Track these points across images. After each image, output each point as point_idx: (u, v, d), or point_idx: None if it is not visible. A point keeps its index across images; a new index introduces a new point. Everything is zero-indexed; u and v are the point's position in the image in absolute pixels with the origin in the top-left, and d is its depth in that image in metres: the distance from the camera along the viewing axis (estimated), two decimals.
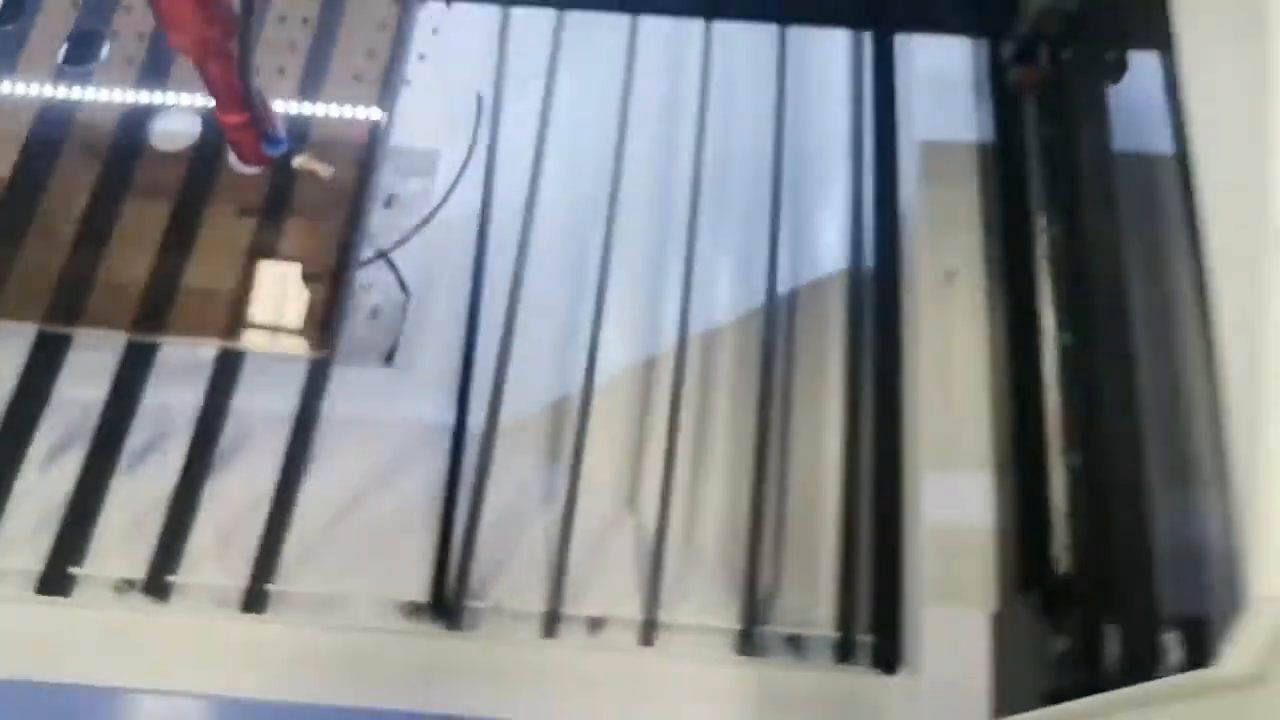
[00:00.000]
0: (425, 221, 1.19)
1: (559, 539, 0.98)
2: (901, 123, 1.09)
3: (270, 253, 0.99)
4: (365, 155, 1.03)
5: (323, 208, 1.01)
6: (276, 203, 1.01)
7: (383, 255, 1.18)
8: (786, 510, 1.02)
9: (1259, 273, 0.48)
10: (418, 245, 1.17)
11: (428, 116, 1.25)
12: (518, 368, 1.08)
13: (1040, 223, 0.85)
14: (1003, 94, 0.95)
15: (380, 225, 1.21)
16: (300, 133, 1.06)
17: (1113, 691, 0.61)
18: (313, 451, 1.05)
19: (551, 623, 0.95)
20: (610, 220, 1.12)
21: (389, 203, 1.26)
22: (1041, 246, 0.84)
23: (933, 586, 0.87)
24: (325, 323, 0.96)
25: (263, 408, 1.05)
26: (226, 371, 1.03)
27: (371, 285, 1.19)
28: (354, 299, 1.17)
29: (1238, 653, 0.49)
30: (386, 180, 1.25)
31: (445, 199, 1.20)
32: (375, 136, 1.05)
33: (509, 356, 1.06)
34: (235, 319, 0.96)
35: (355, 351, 1.16)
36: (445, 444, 1.03)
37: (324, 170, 0.99)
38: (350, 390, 1.11)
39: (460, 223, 1.15)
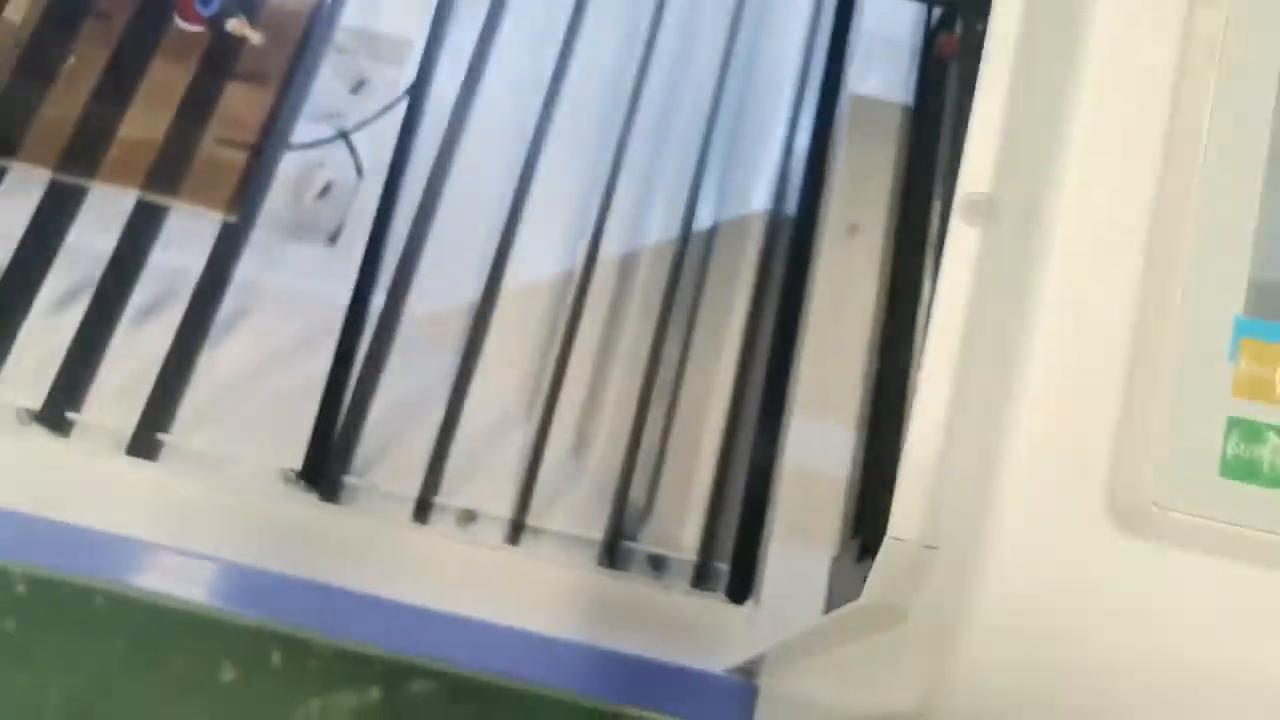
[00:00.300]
0: (388, 108, 1.20)
1: (440, 430, 1.02)
2: (848, 78, 1.10)
3: (201, 112, 1.00)
4: (307, 30, 1.04)
5: (260, 76, 1.02)
6: (216, 64, 1.02)
7: (343, 135, 1.20)
8: (671, 434, 1.06)
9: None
10: (384, 133, 1.18)
11: (407, 5, 1.25)
12: (445, 262, 1.10)
13: (938, 191, 0.87)
14: (930, 60, 0.96)
15: (349, 107, 1.23)
16: None
17: (820, 618, 0.65)
18: (232, 317, 1.08)
19: (423, 509, 0.99)
20: (544, 125, 1.14)
21: (358, 88, 1.27)
22: (934, 214, 0.86)
23: (783, 525, 0.91)
24: (239, 188, 0.98)
25: (184, 266, 1.08)
26: (150, 224, 1.05)
27: (326, 164, 1.21)
28: (308, 176, 1.19)
29: (874, 586, 0.53)
30: (359, 64, 1.26)
31: (410, 88, 1.21)
32: (320, 12, 1.06)
33: (421, 248, 1.08)
34: (156, 171, 0.98)
35: (301, 227, 1.19)
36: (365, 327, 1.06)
37: (254, 36, 1.00)
38: (288, 265, 1.13)
39: (431, 112, 1.16)
